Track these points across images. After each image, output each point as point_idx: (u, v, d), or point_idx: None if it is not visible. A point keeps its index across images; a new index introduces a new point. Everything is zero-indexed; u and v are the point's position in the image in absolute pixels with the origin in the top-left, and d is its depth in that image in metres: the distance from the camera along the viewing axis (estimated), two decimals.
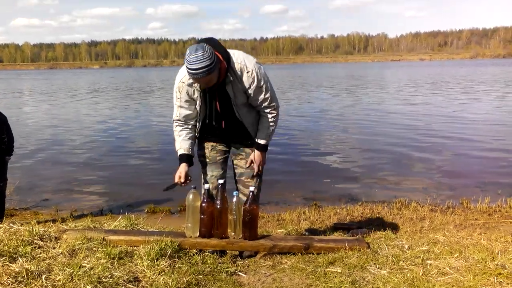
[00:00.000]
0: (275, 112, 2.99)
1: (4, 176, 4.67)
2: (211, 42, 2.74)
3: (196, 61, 2.57)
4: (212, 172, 3.15)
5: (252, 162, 3.07)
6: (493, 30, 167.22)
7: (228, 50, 2.82)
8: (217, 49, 2.70)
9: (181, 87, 2.92)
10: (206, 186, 3.02)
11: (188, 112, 2.99)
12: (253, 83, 2.82)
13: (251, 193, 2.95)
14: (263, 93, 2.88)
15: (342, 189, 6.46)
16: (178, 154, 3.03)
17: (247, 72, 2.80)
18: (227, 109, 2.94)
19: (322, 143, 9.86)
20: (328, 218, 4.77)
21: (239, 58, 2.82)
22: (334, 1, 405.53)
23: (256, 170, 3.07)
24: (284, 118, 13.86)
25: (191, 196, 3.00)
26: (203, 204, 2.95)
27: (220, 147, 3.13)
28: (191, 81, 2.82)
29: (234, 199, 2.97)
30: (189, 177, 3.00)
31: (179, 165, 3.01)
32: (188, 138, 3.03)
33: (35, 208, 5.83)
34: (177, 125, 3.06)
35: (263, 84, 2.86)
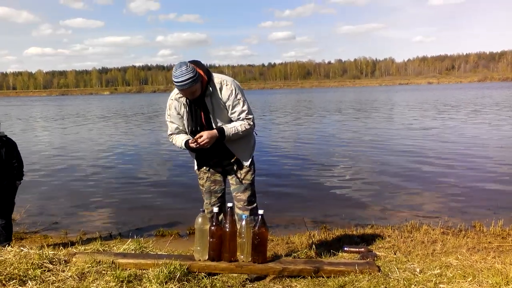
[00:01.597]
0: (252, 123, 3.27)
1: (12, 200, 4.73)
2: (194, 61, 3.16)
3: (181, 75, 2.98)
4: (207, 199, 3.49)
5: (200, 136, 3.11)
6: (500, 53, 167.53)
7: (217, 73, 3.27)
8: (199, 67, 3.12)
9: (171, 104, 3.30)
10: (215, 209, 3.04)
11: (178, 125, 3.34)
12: (231, 95, 3.16)
13: (260, 217, 2.95)
14: (241, 105, 3.21)
15: (352, 212, 6.40)
16: (184, 143, 3.25)
17: (226, 85, 3.17)
18: (209, 123, 3.22)
19: (332, 167, 9.83)
20: (338, 241, 4.71)
21: (219, 75, 3.24)
22: (341, 27, 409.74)
23: (196, 140, 3.10)
24: (294, 142, 13.90)
25: (200, 220, 3.00)
26: (212, 228, 2.95)
27: (215, 177, 3.44)
28: (178, 95, 3.22)
29: (243, 222, 2.96)
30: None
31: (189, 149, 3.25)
32: (186, 135, 3.31)
33: (45, 232, 5.84)
34: (172, 136, 3.40)
35: (240, 97, 3.21)
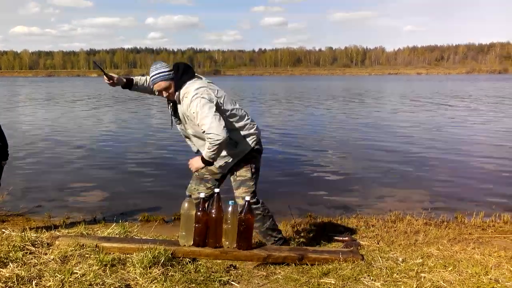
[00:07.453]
0: (211, 140, 2.99)
1: None
2: (180, 65, 3.23)
3: (154, 70, 3.17)
4: (195, 185, 3.48)
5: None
6: (489, 45, 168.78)
7: (196, 82, 3.18)
8: (177, 71, 3.17)
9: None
10: (202, 195, 3.03)
11: None
12: (189, 108, 3.09)
13: (246, 203, 2.96)
14: (199, 119, 3.04)
15: (337, 201, 6.45)
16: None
17: (186, 98, 3.13)
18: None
19: (318, 155, 9.87)
20: (323, 229, 4.75)
21: (189, 87, 3.13)
22: (333, 14, 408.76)
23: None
24: (281, 130, 13.90)
25: (186, 205, 3.00)
26: (198, 213, 2.95)
27: (212, 167, 3.34)
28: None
29: (230, 209, 2.97)
30: (114, 80, 3.49)
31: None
32: (146, 80, 3.48)
33: (28, 214, 5.77)
34: None
35: (196, 110, 3.02)
